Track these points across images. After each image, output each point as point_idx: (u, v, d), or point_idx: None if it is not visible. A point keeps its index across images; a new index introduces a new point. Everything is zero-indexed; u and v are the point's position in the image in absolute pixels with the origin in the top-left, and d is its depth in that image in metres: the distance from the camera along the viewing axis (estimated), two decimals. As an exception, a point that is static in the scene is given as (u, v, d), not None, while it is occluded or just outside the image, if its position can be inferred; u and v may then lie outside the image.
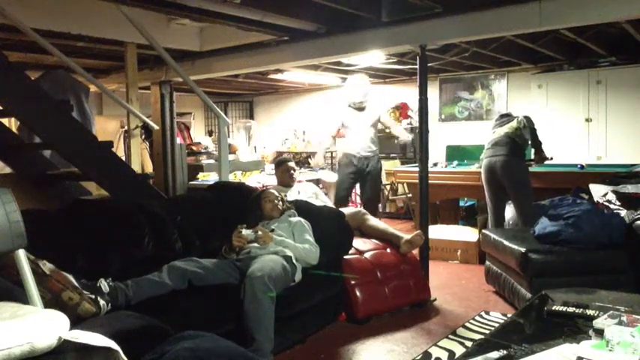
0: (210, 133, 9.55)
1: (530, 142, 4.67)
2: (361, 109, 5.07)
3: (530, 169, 5.01)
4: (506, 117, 4.88)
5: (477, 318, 3.56)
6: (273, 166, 5.32)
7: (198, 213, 3.43)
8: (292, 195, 4.18)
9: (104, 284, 2.37)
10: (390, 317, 3.59)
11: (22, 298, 1.78)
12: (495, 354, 1.72)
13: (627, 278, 3.32)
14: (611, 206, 3.84)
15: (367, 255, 3.76)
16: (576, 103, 6.51)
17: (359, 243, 3.84)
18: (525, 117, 4.70)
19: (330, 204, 4.25)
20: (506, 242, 3.70)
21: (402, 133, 5.80)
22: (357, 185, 5.31)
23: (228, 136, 6.54)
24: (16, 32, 4.02)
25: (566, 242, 3.47)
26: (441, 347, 3.09)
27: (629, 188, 4.03)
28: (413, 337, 3.27)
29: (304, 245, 3.15)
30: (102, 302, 2.28)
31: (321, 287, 3.19)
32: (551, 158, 4.80)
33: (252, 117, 10.09)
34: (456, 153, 6.88)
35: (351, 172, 5.05)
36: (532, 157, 4.81)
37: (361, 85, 5.13)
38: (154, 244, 2.98)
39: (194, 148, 7.92)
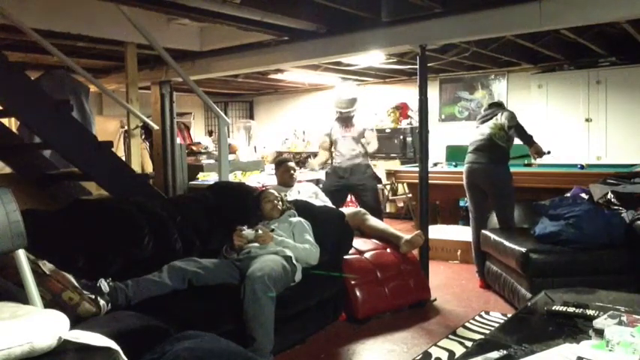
0: (210, 133, 9.55)
1: (520, 140, 4.38)
2: (348, 119, 4.99)
3: (534, 169, 4.98)
4: (494, 108, 4.48)
5: (477, 318, 3.56)
6: (273, 166, 5.32)
7: (198, 213, 3.43)
8: (292, 195, 4.18)
9: (104, 284, 2.37)
10: (390, 317, 3.59)
11: (22, 298, 1.78)
12: (495, 354, 1.72)
13: (627, 278, 3.32)
14: (611, 206, 3.84)
15: (367, 255, 3.76)
16: (576, 103, 6.51)
17: (359, 243, 3.84)
18: (507, 118, 4.27)
19: (330, 204, 4.25)
20: (506, 242, 3.70)
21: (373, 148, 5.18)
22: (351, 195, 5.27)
23: (228, 136, 6.54)
24: (16, 32, 4.02)
25: (566, 242, 3.46)
26: (441, 347, 3.09)
27: (629, 188, 4.02)
28: (413, 337, 3.27)
29: (304, 245, 3.15)
30: (102, 302, 2.29)
31: (321, 287, 3.19)
32: (549, 152, 4.46)
33: (252, 117, 10.09)
34: (456, 153, 6.87)
35: (335, 183, 5.00)
36: (528, 152, 4.48)
37: (350, 93, 5.07)
38: (154, 244, 2.98)
39: (194, 148, 7.93)
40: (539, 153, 4.35)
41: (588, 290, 2.49)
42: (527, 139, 4.34)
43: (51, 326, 1.45)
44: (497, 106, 4.50)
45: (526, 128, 4.36)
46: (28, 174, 4.22)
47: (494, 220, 4.42)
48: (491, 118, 4.37)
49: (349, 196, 5.29)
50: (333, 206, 4.14)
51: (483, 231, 4.24)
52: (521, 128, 4.32)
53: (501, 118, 4.28)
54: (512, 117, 4.29)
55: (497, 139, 4.28)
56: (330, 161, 5.28)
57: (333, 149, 5.12)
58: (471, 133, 4.55)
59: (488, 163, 4.29)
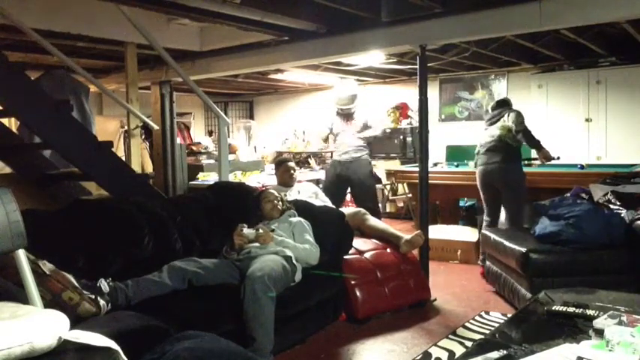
0: (210, 133, 9.55)
1: (528, 145, 4.46)
2: (349, 115, 5.03)
3: (533, 168, 4.99)
4: (500, 108, 4.53)
5: (477, 318, 3.56)
6: (273, 166, 5.32)
7: (198, 213, 3.43)
8: (292, 195, 4.18)
9: (104, 284, 2.37)
10: (390, 317, 3.59)
11: (22, 298, 1.78)
12: (495, 354, 1.72)
13: (627, 278, 3.32)
14: (611, 206, 3.84)
15: (367, 255, 3.76)
16: (576, 103, 6.51)
17: (359, 243, 3.84)
18: (514, 119, 4.32)
19: (330, 204, 4.25)
20: (506, 242, 3.70)
21: (376, 130, 5.29)
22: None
23: (228, 136, 6.54)
24: (16, 32, 4.02)
25: (566, 242, 3.47)
26: (441, 347, 3.09)
27: (629, 188, 4.03)
28: (413, 337, 3.27)
29: (304, 245, 3.15)
30: (102, 302, 2.29)
31: (321, 287, 3.19)
32: (558, 158, 4.50)
33: (252, 117, 10.09)
34: (455, 153, 6.87)
35: (334, 179, 5.03)
36: (535, 155, 4.59)
37: (350, 90, 5.11)
38: (154, 244, 2.98)
39: (194, 148, 7.92)
40: (548, 158, 4.39)
41: (588, 290, 2.49)
42: (535, 144, 4.39)
43: (51, 326, 1.45)
44: (503, 106, 4.52)
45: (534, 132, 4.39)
46: (28, 174, 4.22)
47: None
48: (498, 120, 4.41)
49: (348, 196, 5.31)
50: (333, 206, 4.14)
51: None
52: (528, 133, 4.36)
53: (508, 120, 4.33)
54: (519, 121, 4.33)
55: (507, 139, 4.35)
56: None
57: (333, 142, 5.15)
58: (480, 135, 4.62)
59: (502, 162, 4.37)
